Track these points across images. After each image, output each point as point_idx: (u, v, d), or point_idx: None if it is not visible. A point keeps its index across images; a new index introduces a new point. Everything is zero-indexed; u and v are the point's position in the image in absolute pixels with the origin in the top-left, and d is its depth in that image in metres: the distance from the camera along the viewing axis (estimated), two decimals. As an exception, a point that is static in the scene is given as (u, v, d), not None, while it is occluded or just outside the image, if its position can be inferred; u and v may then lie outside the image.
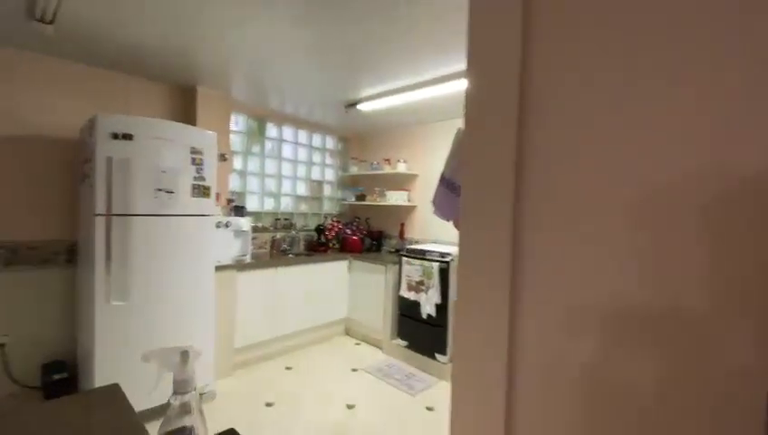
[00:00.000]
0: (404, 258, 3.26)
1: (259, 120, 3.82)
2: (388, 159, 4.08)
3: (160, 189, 2.31)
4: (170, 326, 2.36)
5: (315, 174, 4.37)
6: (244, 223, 3.00)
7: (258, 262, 3.15)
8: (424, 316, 3.07)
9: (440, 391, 2.81)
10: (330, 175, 4.52)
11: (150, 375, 0.62)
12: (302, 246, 4.08)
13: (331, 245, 4.19)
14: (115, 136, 2.16)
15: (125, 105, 2.83)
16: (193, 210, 2.46)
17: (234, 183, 3.63)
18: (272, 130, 3.94)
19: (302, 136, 4.20)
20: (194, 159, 2.46)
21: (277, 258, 3.50)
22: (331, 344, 3.66)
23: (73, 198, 2.62)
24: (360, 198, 4.33)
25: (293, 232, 3.99)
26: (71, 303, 2.64)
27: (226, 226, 2.88)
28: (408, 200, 3.95)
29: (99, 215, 2.12)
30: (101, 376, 2.13)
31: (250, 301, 3.06)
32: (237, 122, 3.66)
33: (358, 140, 4.68)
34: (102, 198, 2.12)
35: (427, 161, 3.89)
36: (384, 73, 2.67)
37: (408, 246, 3.43)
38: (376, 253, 4.05)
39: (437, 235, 3.72)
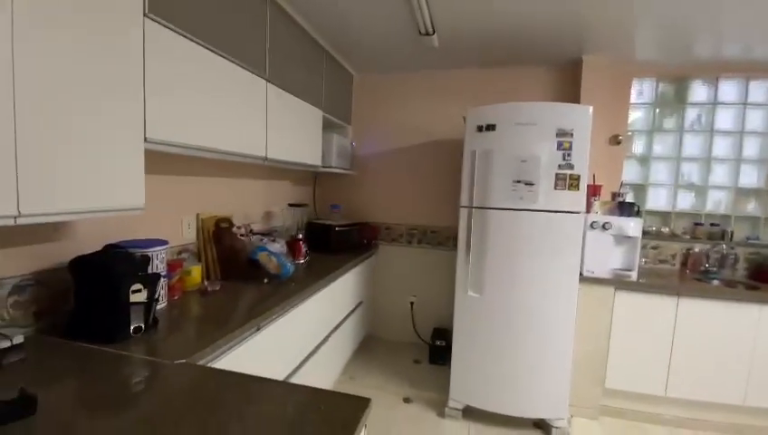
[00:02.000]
0: None
1: (677, 82, 2.69)
2: None
3: (519, 181, 2.07)
4: (523, 330, 2.10)
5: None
6: (631, 226, 2.19)
7: (648, 283, 2.23)
8: None
9: None
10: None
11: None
12: (740, 271, 2.55)
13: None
14: (480, 128, 2.13)
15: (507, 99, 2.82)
16: (554, 205, 2.03)
17: (631, 173, 2.80)
18: (699, 91, 2.68)
19: (757, 89, 2.57)
20: (560, 144, 2.01)
21: (689, 283, 2.35)
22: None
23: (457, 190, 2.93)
24: None
25: (725, 246, 2.56)
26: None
27: (604, 227, 2.22)
28: None
29: (463, 207, 2.19)
30: (457, 359, 2.24)
31: (633, 333, 2.23)
32: (642, 92, 2.77)
33: None
34: (466, 191, 2.17)
35: None
36: None
37: None
38: None
39: None
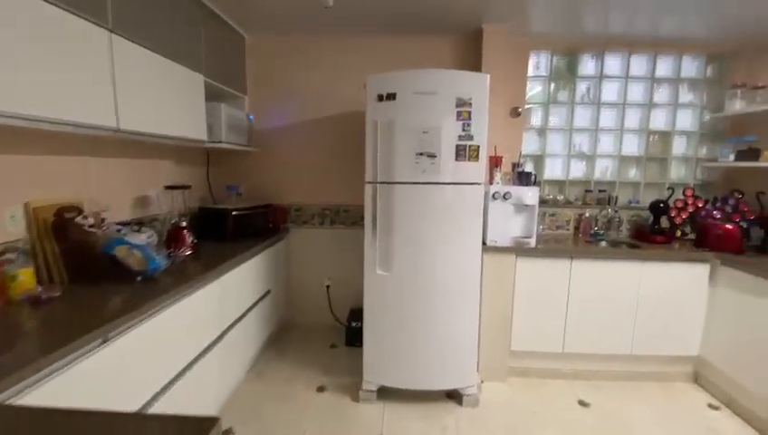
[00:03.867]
0: None
1: (569, 56, 2.81)
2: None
3: (421, 153, 1.99)
4: (432, 306, 2.08)
5: (657, 122, 2.85)
6: (529, 194, 2.25)
7: (545, 248, 2.34)
8: None
9: None
10: (684, 121, 2.83)
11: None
12: (624, 232, 2.82)
13: (678, 234, 2.66)
14: (380, 97, 1.99)
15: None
16: (456, 177, 2.00)
17: (530, 144, 2.90)
18: (588, 65, 2.83)
19: (637, 64, 2.79)
20: (459, 114, 1.96)
21: (581, 246, 2.52)
22: (665, 393, 2.32)
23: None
24: (748, 154, 2.44)
25: (611, 210, 2.79)
26: (369, 262, 2.93)
27: (504, 197, 2.25)
28: None
29: (368, 183, 2.06)
30: (369, 340, 2.16)
31: (534, 296, 2.34)
32: (538, 65, 2.85)
33: (748, 53, 2.64)
34: (370, 165, 2.04)
35: None
36: None
37: None
38: (779, 257, 2.18)
39: None
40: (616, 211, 2.80)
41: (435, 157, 1.98)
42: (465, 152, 1.99)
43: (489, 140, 2.05)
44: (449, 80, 1.97)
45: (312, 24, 2.58)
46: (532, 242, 2.29)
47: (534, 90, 2.85)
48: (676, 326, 2.33)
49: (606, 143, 2.90)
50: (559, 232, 2.84)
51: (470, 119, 1.96)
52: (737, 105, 2.50)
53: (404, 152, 1.99)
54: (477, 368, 2.24)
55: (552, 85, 2.86)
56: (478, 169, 2.00)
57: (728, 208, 2.55)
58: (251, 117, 2.80)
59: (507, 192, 2.25)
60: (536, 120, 2.89)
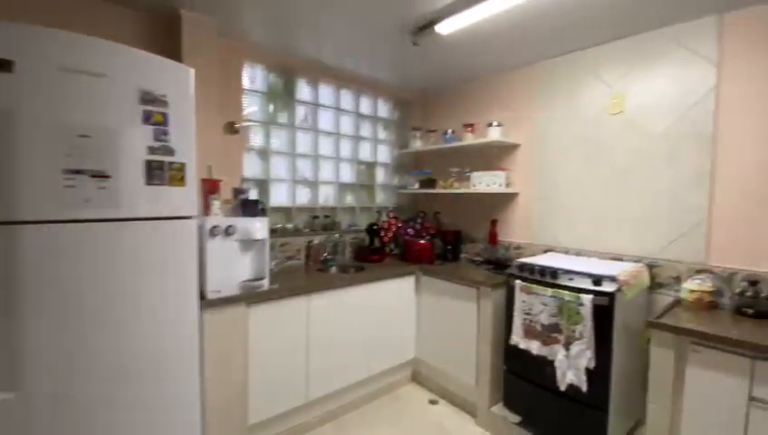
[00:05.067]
0: (518, 282, 1.96)
1: (286, 75, 2.66)
2: (470, 125, 2.75)
3: (78, 171, 1.20)
4: (123, 409, 1.27)
5: (364, 153, 3.15)
6: (257, 226, 1.85)
7: (280, 289, 1.99)
8: (561, 386, 1.77)
9: None
10: (383, 154, 3.29)
11: None
12: (348, 255, 2.90)
13: (388, 250, 2.98)
14: (-27, 62, 1.06)
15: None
16: (152, 209, 1.33)
17: (253, 167, 2.52)
18: (305, 90, 2.77)
19: (346, 99, 2.99)
20: (148, 115, 1.32)
21: (315, 276, 2.34)
22: (395, 401, 2.46)
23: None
24: (427, 183, 3.06)
25: (337, 235, 2.82)
26: None
27: (227, 232, 1.75)
28: (507, 184, 2.60)
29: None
30: None
31: (272, 349, 1.93)
32: (254, 79, 2.53)
33: (422, 102, 3.38)
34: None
35: (538, 121, 2.52)
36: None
37: (521, 260, 2.10)
38: (453, 263, 2.78)
39: (567, 238, 2.38)
40: (341, 235, 2.85)
41: (107, 178, 1.24)
42: (163, 172, 1.35)
43: (200, 158, 1.51)
44: (130, 61, 1.30)
45: None
46: (266, 284, 1.90)
47: (252, 106, 2.51)
48: (397, 336, 2.53)
49: (326, 170, 2.93)
50: (291, 263, 2.58)
51: (166, 124, 1.35)
52: (417, 144, 3.10)
53: (38, 168, 1.14)
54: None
55: (272, 106, 2.62)
56: (186, 197, 1.42)
57: (417, 226, 3.08)
58: None
59: (230, 226, 1.76)
60: (257, 140, 2.55)
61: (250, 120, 2.48)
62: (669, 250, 1.95)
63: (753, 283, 1.64)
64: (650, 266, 1.98)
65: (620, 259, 2.09)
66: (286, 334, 1.99)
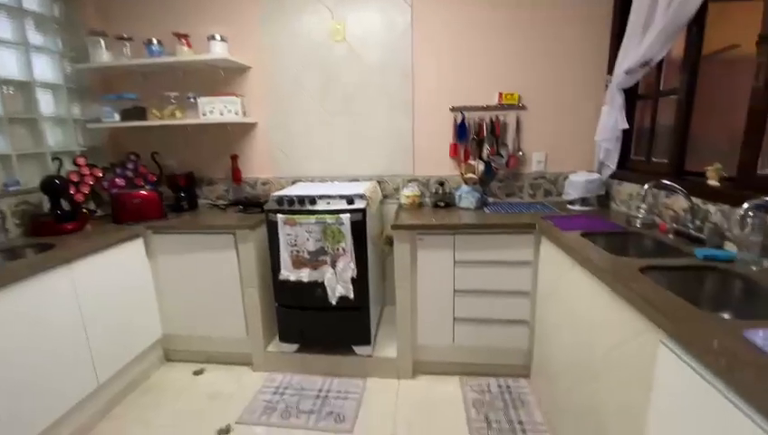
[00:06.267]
0: (280, 216, 1.85)
1: None
2: (184, 36, 2.19)
3: None
4: None
5: (9, 67, 1.98)
6: None
7: None
8: (332, 301, 1.90)
9: (379, 397, 1.86)
10: (46, 70, 2.18)
11: None
12: (14, 231, 1.89)
13: (87, 211, 2.16)
14: None
15: None
16: None
17: None
18: None
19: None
20: None
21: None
22: (146, 393, 1.98)
23: None
24: (134, 113, 2.32)
25: (-19, 200, 1.74)
26: None
27: None
28: (244, 113, 2.32)
29: None
30: None
31: None
32: None
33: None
34: None
35: (266, 42, 2.30)
36: None
37: (278, 194, 1.98)
38: (191, 212, 2.35)
39: (313, 167, 2.41)
40: (-11, 201, 1.79)
41: None
42: None
43: None
44: None
45: None
46: None
47: None
48: (130, 320, 1.95)
49: None
50: None
51: None
52: (104, 56, 2.20)
53: None
54: None
55: None
56: None
57: (129, 174, 2.35)
58: None
59: None
60: None
61: None
62: (390, 167, 2.36)
63: (441, 183, 2.26)
64: (379, 182, 2.36)
65: (357, 180, 2.37)
66: None
